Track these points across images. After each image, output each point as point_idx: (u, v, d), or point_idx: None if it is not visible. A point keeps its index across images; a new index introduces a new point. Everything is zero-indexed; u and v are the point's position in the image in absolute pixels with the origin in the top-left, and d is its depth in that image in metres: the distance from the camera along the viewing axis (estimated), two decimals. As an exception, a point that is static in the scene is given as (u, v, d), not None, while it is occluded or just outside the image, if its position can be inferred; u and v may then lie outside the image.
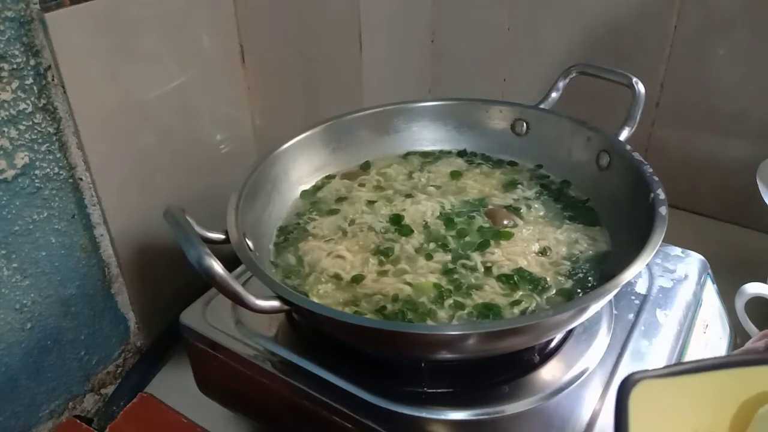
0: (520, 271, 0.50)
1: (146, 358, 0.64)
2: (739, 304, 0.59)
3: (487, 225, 0.56)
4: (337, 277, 0.51)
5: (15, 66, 0.47)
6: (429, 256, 0.52)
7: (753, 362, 0.33)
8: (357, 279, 0.51)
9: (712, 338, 0.56)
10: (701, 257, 0.58)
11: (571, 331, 0.50)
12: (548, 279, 0.50)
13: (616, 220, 0.55)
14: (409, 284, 0.50)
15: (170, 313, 0.59)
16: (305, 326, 0.51)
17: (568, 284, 0.50)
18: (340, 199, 0.61)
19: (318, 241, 0.55)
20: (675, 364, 0.36)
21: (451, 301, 0.48)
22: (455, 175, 0.63)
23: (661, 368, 0.32)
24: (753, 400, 0.33)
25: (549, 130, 0.63)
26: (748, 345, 0.47)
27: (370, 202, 0.59)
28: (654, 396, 0.30)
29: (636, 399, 0.29)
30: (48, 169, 0.51)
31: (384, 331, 0.41)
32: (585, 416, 0.43)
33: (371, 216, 0.57)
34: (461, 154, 0.66)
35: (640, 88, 0.60)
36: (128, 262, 0.60)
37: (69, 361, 0.58)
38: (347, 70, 0.83)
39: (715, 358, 0.36)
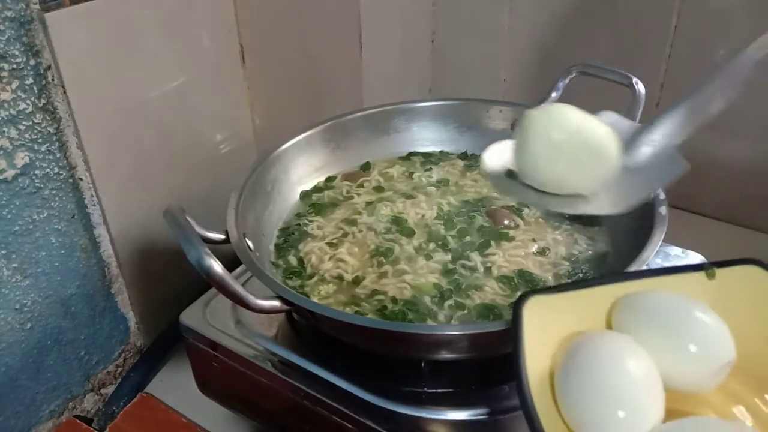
0: (520, 272, 0.50)
1: (146, 358, 0.64)
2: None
3: (487, 224, 0.56)
4: (339, 278, 0.51)
5: (15, 66, 0.47)
6: (429, 257, 0.52)
7: (623, 278, 0.40)
8: (357, 280, 0.51)
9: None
10: (701, 257, 0.58)
11: (571, 331, 0.49)
12: (548, 280, 0.50)
13: (616, 220, 0.55)
14: (409, 285, 0.50)
15: (170, 313, 0.59)
16: (305, 326, 0.51)
17: (568, 284, 0.49)
18: (341, 200, 0.60)
19: (318, 243, 0.55)
20: (561, 284, 0.45)
21: (451, 301, 0.48)
22: (455, 176, 0.63)
23: (549, 287, 0.42)
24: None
25: (549, 130, 0.63)
26: None
27: (369, 203, 0.59)
28: (543, 307, 0.37)
29: (528, 310, 0.36)
30: (48, 169, 0.51)
31: (384, 331, 0.41)
32: (585, 416, 0.43)
33: (372, 217, 0.57)
34: (462, 156, 0.66)
35: (640, 88, 0.60)
36: (128, 262, 0.60)
37: (69, 361, 0.58)
38: (347, 70, 0.83)
39: (590, 279, 0.44)
